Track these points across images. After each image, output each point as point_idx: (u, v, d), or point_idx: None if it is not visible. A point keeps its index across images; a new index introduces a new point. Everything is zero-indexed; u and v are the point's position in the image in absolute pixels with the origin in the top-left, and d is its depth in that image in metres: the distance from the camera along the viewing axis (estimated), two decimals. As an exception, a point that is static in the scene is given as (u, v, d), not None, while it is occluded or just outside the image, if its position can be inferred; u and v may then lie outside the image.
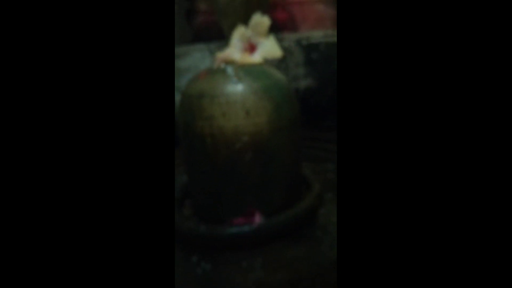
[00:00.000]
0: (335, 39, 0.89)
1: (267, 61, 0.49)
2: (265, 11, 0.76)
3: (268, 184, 0.45)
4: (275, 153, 0.45)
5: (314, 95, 0.89)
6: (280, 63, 0.88)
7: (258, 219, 0.42)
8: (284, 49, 0.88)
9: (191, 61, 0.88)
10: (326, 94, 0.89)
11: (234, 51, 0.48)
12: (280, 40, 0.88)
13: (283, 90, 0.46)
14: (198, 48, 0.87)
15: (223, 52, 0.48)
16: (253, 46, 0.48)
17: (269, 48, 0.47)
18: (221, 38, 1.01)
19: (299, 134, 0.49)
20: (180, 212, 0.52)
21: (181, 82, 0.90)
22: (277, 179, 0.46)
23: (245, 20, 0.71)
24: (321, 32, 0.88)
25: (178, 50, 0.88)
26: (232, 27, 0.70)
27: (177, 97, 0.89)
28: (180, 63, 0.88)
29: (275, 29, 1.50)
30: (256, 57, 0.47)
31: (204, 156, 0.45)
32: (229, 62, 0.47)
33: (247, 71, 0.45)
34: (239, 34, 0.49)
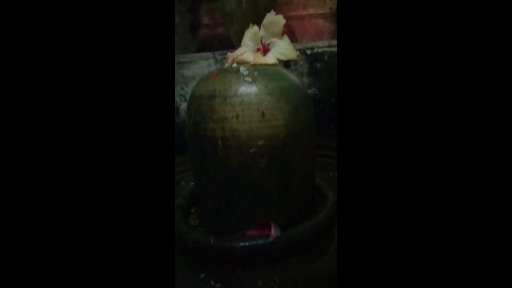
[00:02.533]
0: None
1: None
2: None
3: (284, 192, 0.39)
4: (292, 158, 0.39)
5: (318, 104, 0.84)
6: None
7: (274, 231, 0.36)
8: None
9: (196, 69, 0.82)
10: (330, 103, 0.84)
11: (246, 51, 0.42)
12: (285, 49, 0.84)
13: (300, 92, 0.40)
14: (203, 56, 0.82)
15: (235, 52, 0.43)
16: (266, 46, 0.43)
17: (283, 49, 0.42)
18: (225, 49, 0.97)
19: (315, 139, 0.43)
20: (186, 221, 0.45)
21: (186, 90, 0.84)
22: (293, 187, 0.39)
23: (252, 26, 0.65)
24: (326, 42, 0.84)
25: (183, 58, 0.82)
26: (238, 33, 0.65)
27: (183, 105, 0.84)
28: (186, 71, 0.82)
29: None
30: (270, 58, 0.41)
31: (215, 161, 0.38)
32: (241, 63, 0.41)
33: (261, 71, 0.39)
34: (250, 33, 0.43)
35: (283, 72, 0.41)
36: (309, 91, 0.84)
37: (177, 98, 0.83)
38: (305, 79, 0.84)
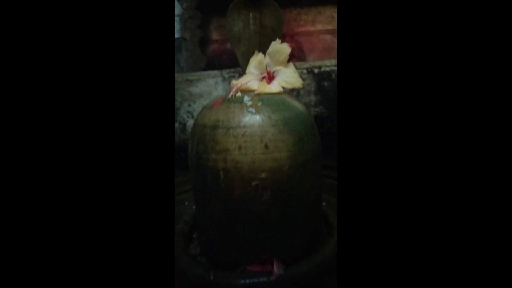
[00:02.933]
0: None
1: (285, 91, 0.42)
2: (279, 39, 0.70)
3: (288, 226, 0.37)
4: (296, 191, 0.37)
5: (325, 123, 0.82)
6: (291, 91, 0.82)
7: (277, 269, 0.34)
8: (296, 76, 0.83)
9: (204, 86, 0.82)
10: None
11: (250, 79, 0.41)
12: (292, 68, 0.83)
13: (305, 122, 0.39)
14: (211, 74, 0.82)
15: (239, 80, 0.42)
16: (271, 74, 0.42)
17: (289, 77, 0.41)
18: (234, 66, 0.97)
19: (321, 169, 0.41)
20: (187, 249, 0.44)
21: (193, 107, 0.84)
22: (297, 221, 0.38)
23: (259, 48, 0.65)
24: (333, 60, 0.82)
25: (191, 76, 0.83)
26: (246, 55, 0.64)
27: (190, 122, 0.83)
28: (193, 89, 0.82)
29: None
30: (275, 86, 0.40)
31: (217, 192, 0.37)
32: (246, 91, 0.40)
33: (265, 101, 0.38)
34: (256, 61, 0.42)
35: (288, 101, 0.40)
36: (316, 109, 0.83)
37: (184, 115, 0.83)
38: (312, 98, 0.82)
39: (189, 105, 0.83)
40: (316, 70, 0.81)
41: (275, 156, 0.36)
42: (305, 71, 0.81)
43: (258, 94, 0.39)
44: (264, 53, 0.65)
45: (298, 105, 0.40)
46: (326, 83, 0.82)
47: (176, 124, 0.83)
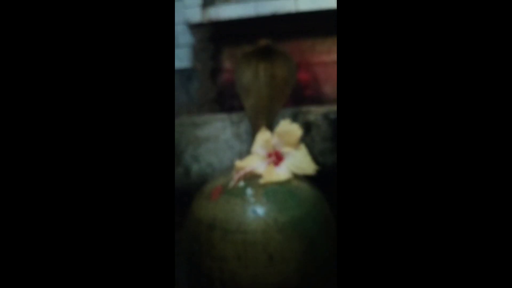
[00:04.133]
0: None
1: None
2: (292, 92, 0.64)
3: None
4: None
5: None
6: (305, 137, 0.76)
7: None
8: (311, 123, 0.77)
9: (211, 130, 0.77)
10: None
11: (256, 161, 0.35)
12: (306, 114, 0.76)
13: (318, 219, 0.32)
14: (219, 117, 0.77)
15: (244, 161, 0.36)
16: (279, 155, 0.35)
17: (299, 162, 0.34)
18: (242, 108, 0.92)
19: (335, 273, 0.34)
20: None
21: (199, 151, 0.79)
22: None
23: (268, 101, 0.59)
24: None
25: (198, 119, 0.78)
26: (255, 109, 0.59)
27: (194, 167, 0.78)
28: (200, 132, 0.77)
29: (300, 95, 1.40)
30: (283, 171, 0.34)
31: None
32: (250, 177, 0.34)
33: (271, 194, 0.32)
34: (262, 140, 0.36)
35: (297, 192, 0.33)
36: (332, 157, 0.76)
37: (188, 159, 0.78)
38: (328, 144, 0.75)
39: (195, 149, 0.78)
40: (331, 116, 0.74)
41: (281, 269, 0.29)
42: (319, 117, 0.74)
43: (263, 184, 0.33)
44: (275, 107, 0.58)
45: (309, 195, 0.34)
46: (341, 129, 0.75)
47: (180, 169, 0.78)
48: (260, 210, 0.30)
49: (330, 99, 1.22)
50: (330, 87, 1.23)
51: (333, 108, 0.77)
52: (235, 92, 1.33)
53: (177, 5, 1.54)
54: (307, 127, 0.76)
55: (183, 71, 1.58)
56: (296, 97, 1.43)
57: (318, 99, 1.29)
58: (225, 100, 1.32)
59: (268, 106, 0.57)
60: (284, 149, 0.35)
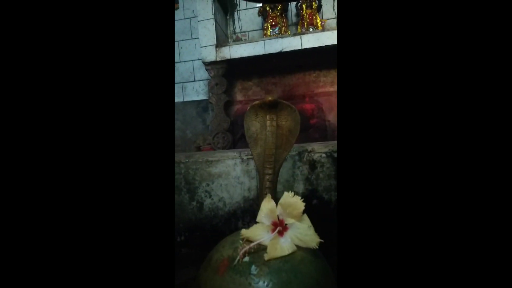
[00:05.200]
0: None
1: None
2: (295, 141, 0.66)
3: None
4: None
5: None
6: (310, 175, 0.78)
7: None
8: (315, 160, 0.79)
9: (223, 167, 0.80)
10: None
11: (261, 231, 0.37)
12: (310, 152, 0.78)
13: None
14: (230, 155, 0.80)
15: (249, 230, 0.38)
16: (283, 225, 0.38)
17: (303, 234, 0.36)
18: None
19: None
20: None
21: (211, 187, 0.82)
22: None
23: (274, 150, 0.61)
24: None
25: (211, 156, 0.81)
26: (261, 157, 0.61)
27: (207, 201, 0.81)
28: (212, 169, 0.80)
29: (306, 123, 1.41)
30: (287, 245, 0.36)
31: None
32: (255, 249, 0.36)
33: (275, 272, 0.34)
34: (267, 209, 0.39)
35: (301, 268, 0.35)
36: (336, 194, 0.77)
37: (202, 194, 0.81)
38: (333, 182, 0.77)
39: (208, 185, 0.81)
40: (335, 155, 0.76)
41: None
42: (324, 155, 0.76)
43: (268, 260, 0.35)
44: (280, 156, 0.60)
45: (313, 269, 0.35)
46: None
47: (194, 203, 0.82)
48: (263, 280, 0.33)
49: (333, 127, 1.23)
50: (334, 116, 1.24)
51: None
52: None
53: (194, 44, 1.62)
54: (312, 165, 0.77)
55: (199, 102, 1.64)
56: (302, 125, 1.46)
57: (323, 128, 1.30)
58: (237, 129, 1.35)
59: (274, 155, 0.60)
60: (288, 220, 0.37)
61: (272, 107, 0.60)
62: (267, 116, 0.60)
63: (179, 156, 0.83)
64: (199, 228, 0.82)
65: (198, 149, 1.47)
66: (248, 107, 0.63)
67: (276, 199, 0.60)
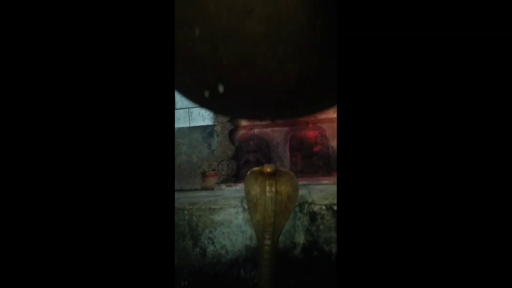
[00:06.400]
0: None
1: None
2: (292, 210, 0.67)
3: None
4: None
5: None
6: (311, 226, 0.78)
7: None
8: (315, 212, 0.79)
9: (225, 215, 0.81)
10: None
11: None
12: (311, 204, 0.79)
13: None
14: (232, 204, 0.81)
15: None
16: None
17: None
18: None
19: None
20: None
21: (214, 234, 0.83)
22: None
23: (273, 217, 0.62)
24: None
25: (214, 204, 0.82)
26: (261, 225, 0.62)
27: (210, 248, 0.82)
28: (215, 217, 0.82)
29: (309, 150, 1.40)
30: None
31: None
32: None
33: None
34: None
35: None
36: (336, 246, 0.77)
37: (205, 241, 0.82)
38: (333, 234, 0.77)
39: (210, 232, 0.82)
40: (335, 207, 0.76)
41: None
42: (324, 207, 0.76)
43: None
44: (279, 224, 0.61)
45: None
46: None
47: (197, 249, 0.83)
48: None
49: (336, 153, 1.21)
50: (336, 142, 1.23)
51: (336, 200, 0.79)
52: (250, 148, 1.37)
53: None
54: (313, 217, 0.78)
55: (205, 127, 1.65)
56: (305, 152, 1.44)
57: (327, 155, 1.29)
58: (242, 155, 1.36)
59: (273, 224, 0.60)
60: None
61: (271, 174, 0.61)
62: (267, 182, 0.61)
63: (183, 203, 0.85)
64: (203, 274, 0.83)
65: (203, 174, 1.50)
66: (248, 172, 0.64)
67: (275, 270, 0.61)
